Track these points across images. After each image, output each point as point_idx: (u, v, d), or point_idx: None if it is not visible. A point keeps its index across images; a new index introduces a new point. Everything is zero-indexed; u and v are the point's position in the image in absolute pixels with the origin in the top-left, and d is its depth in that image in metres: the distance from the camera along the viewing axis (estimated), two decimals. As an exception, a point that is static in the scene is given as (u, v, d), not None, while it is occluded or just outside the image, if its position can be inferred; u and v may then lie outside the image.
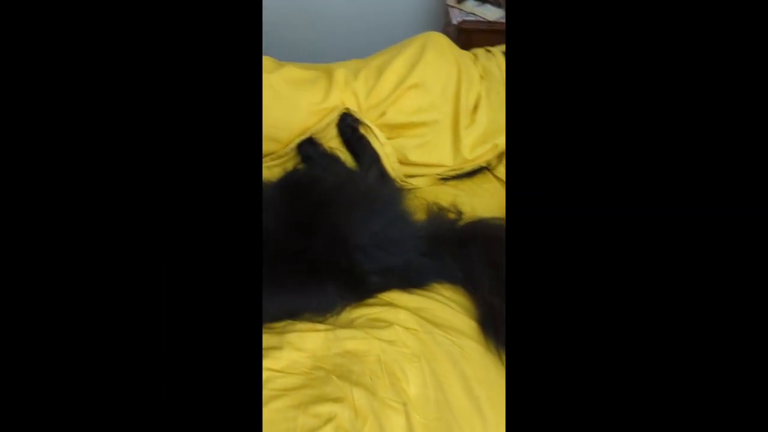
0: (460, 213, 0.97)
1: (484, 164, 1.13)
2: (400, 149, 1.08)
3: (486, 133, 1.10)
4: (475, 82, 1.12)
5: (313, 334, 0.78)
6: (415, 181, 1.10)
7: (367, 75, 1.06)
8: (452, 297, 0.86)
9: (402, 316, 0.81)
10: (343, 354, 0.76)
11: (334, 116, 1.03)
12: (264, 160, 1.04)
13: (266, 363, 0.73)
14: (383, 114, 1.06)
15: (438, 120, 1.09)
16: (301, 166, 1.02)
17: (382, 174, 1.03)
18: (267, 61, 1.05)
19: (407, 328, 0.79)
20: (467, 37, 1.55)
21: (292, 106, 1.02)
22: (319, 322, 0.81)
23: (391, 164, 1.05)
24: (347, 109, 1.04)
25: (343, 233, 0.83)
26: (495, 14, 1.58)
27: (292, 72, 1.04)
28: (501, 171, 1.13)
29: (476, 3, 1.62)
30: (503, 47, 1.23)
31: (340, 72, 1.05)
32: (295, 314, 0.82)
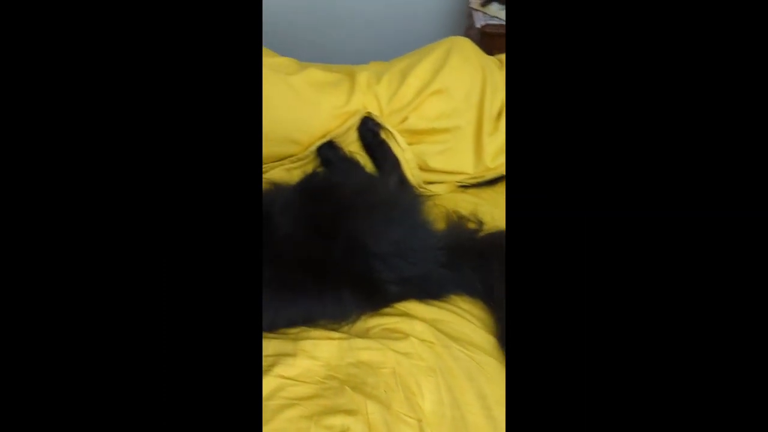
0: (480, 223, 0.95)
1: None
2: (420, 155, 1.06)
3: (509, 141, 1.08)
4: (500, 89, 1.09)
5: (327, 342, 0.77)
6: (434, 188, 1.08)
7: (390, 79, 1.05)
8: (470, 310, 0.84)
9: (418, 327, 0.79)
10: (358, 364, 0.75)
11: (356, 120, 1.02)
12: (283, 162, 1.03)
13: (279, 370, 0.72)
14: (405, 119, 1.04)
15: (460, 126, 1.07)
16: (320, 170, 1.01)
17: (402, 180, 1.01)
18: (289, 63, 1.04)
19: (423, 341, 0.77)
20: (490, 41, 1.53)
21: (314, 108, 1.01)
22: (334, 330, 0.80)
23: (411, 170, 1.04)
24: (369, 113, 1.03)
25: (362, 240, 0.81)
26: (520, 19, 1.55)
27: (315, 74, 1.03)
28: (523, 180, 1.11)
29: (501, 6, 1.59)
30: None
31: (363, 75, 1.04)
32: (310, 320, 0.81)
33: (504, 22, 1.55)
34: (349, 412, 0.68)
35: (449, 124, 1.06)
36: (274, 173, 1.01)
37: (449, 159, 1.07)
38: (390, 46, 1.40)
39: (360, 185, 0.92)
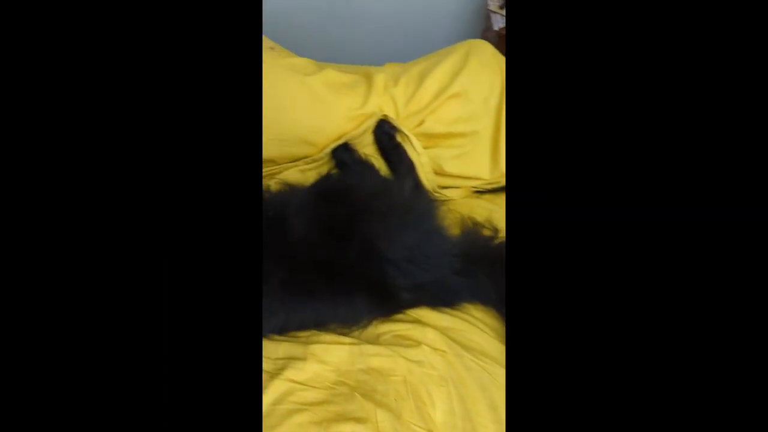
0: (495, 230, 0.93)
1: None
2: (436, 159, 1.05)
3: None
4: (519, 94, 1.08)
5: (338, 347, 0.76)
6: (448, 192, 1.07)
7: (407, 81, 1.03)
8: (483, 319, 0.83)
9: (430, 335, 0.78)
10: (368, 371, 0.74)
11: (372, 122, 1.01)
12: (298, 163, 1.02)
13: (289, 374, 0.72)
14: (422, 123, 1.03)
15: (478, 131, 1.05)
16: (335, 172, 1.00)
17: (417, 184, 1.00)
18: (307, 63, 1.03)
19: (435, 349, 0.76)
20: (508, 44, 1.51)
21: (331, 110, 1.00)
22: (344, 335, 0.79)
23: (426, 174, 1.03)
24: (385, 115, 1.02)
25: (376, 244, 0.80)
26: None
27: (332, 75, 1.02)
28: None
29: (520, 10, 1.57)
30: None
31: (380, 77, 1.03)
32: (321, 324, 0.80)
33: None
34: (359, 420, 0.67)
35: (466, 129, 1.05)
36: (289, 174, 1.01)
37: (465, 164, 1.06)
38: (407, 48, 1.38)
39: (374, 188, 0.91)
